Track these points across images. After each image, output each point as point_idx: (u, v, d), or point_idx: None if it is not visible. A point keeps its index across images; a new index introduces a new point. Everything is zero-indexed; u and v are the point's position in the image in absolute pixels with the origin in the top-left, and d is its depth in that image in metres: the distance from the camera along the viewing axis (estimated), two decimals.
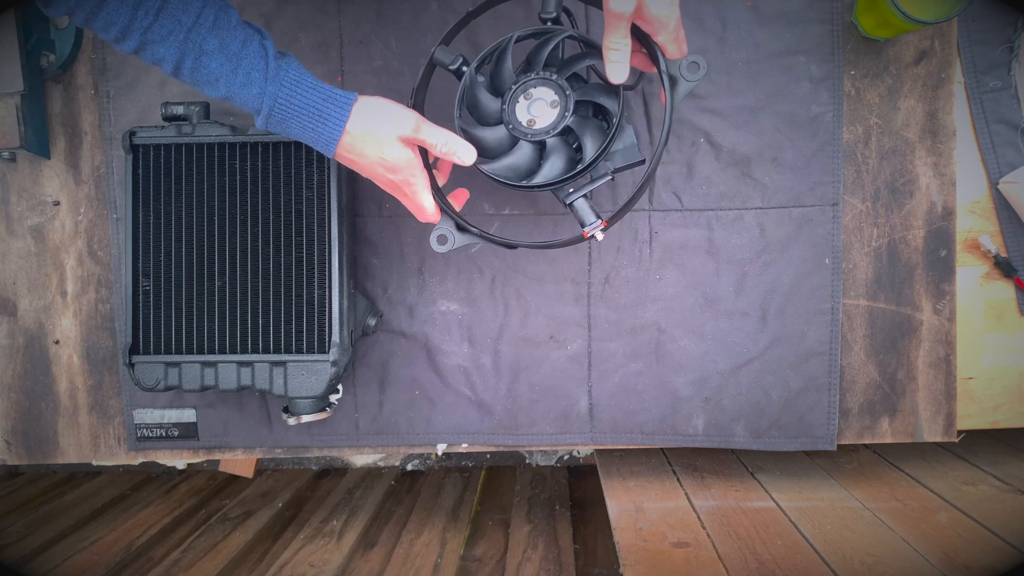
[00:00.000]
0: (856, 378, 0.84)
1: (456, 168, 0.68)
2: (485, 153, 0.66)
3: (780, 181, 0.83)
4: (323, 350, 0.77)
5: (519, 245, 0.66)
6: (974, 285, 0.85)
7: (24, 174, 0.90)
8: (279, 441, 0.89)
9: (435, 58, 0.67)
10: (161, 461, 0.93)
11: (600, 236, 0.63)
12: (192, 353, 0.78)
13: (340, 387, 0.88)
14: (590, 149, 0.63)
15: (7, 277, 0.91)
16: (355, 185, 0.85)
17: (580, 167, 0.63)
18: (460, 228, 0.67)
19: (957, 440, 0.84)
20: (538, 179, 0.64)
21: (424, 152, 0.65)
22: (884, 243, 0.83)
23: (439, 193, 0.66)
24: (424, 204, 0.64)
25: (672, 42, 0.60)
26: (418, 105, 0.68)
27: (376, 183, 0.64)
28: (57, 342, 0.90)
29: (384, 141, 0.59)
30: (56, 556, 0.94)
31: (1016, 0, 0.81)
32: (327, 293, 0.76)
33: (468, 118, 0.69)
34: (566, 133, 0.66)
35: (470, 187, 0.73)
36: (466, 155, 0.62)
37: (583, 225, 0.64)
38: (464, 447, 0.89)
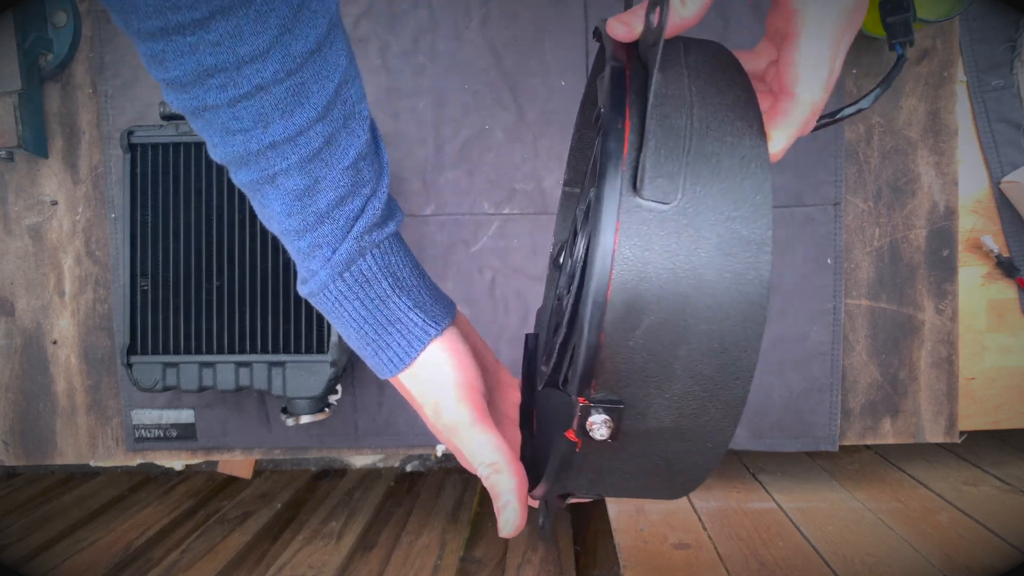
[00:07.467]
0: (858, 378, 0.84)
1: None
2: None
3: (781, 180, 0.82)
4: (322, 350, 0.76)
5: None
6: (976, 285, 0.85)
7: (22, 173, 0.89)
8: (278, 442, 0.89)
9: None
10: (159, 462, 0.92)
11: None
12: (190, 353, 0.77)
13: (339, 387, 0.87)
14: None
15: (4, 277, 0.90)
16: None
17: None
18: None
19: (959, 441, 0.84)
20: None
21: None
22: (886, 243, 0.83)
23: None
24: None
25: None
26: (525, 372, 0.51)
27: None
28: (55, 342, 0.90)
29: (429, 415, 0.42)
30: (54, 557, 0.93)
31: (1017, 0, 0.81)
32: None
33: None
34: None
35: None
36: (510, 521, 0.37)
37: None
38: None
